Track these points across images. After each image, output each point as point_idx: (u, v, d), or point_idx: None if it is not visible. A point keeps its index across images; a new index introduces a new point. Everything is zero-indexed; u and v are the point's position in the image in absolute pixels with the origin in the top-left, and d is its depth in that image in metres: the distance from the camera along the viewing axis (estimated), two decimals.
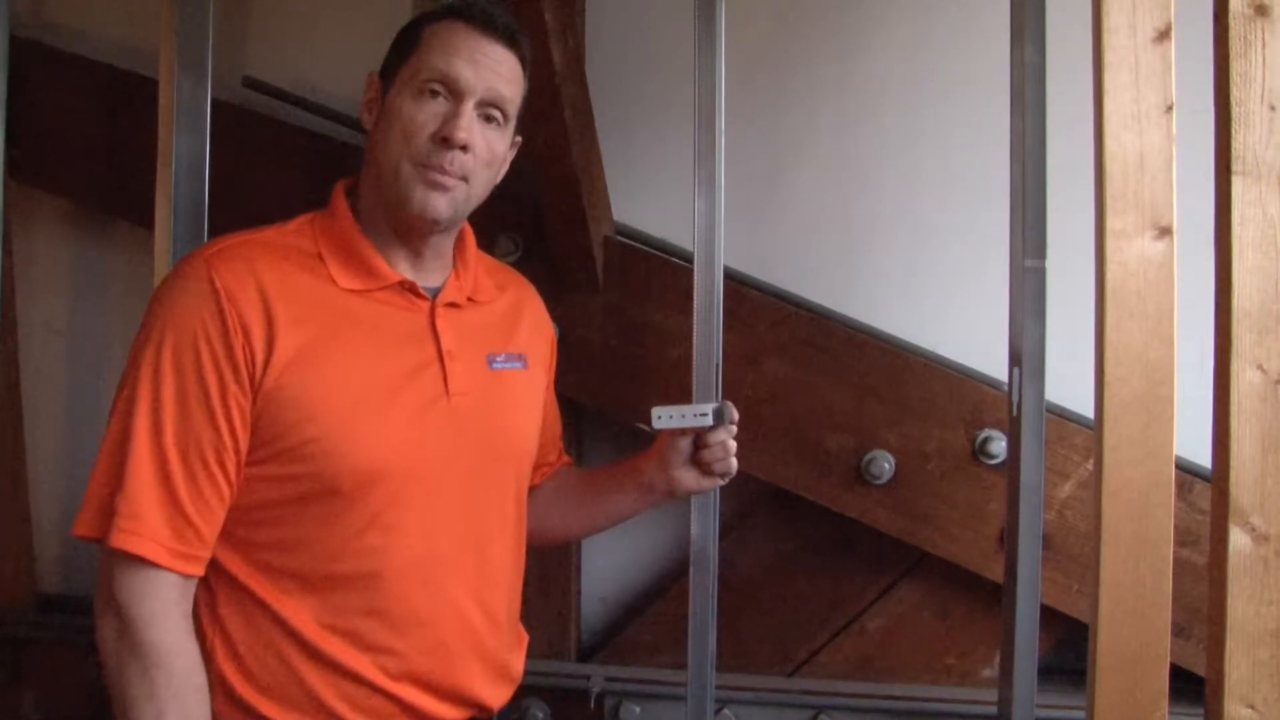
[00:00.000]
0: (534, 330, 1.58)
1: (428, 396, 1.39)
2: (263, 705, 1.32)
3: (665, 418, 1.59)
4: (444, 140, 1.36)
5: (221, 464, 1.30)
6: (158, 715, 1.25)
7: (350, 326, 1.36)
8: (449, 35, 1.39)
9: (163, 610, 1.27)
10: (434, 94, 1.37)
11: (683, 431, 1.61)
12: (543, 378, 1.61)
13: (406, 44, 1.41)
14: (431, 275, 1.45)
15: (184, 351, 1.29)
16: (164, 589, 1.28)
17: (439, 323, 1.41)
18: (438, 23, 1.40)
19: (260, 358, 1.30)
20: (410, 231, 1.41)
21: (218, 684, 1.32)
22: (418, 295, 1.41)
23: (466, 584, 1.42)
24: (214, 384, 1.29)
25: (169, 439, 1.28)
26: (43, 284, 2.62)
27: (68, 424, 2.63)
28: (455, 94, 1.37)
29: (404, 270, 1.41)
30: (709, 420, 1.59)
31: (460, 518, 1.41)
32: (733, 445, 1.63)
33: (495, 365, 1.48)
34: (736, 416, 1.63)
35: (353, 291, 1.38)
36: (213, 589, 1.34)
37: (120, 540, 1.26)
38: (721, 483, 1.67)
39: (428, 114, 1.37)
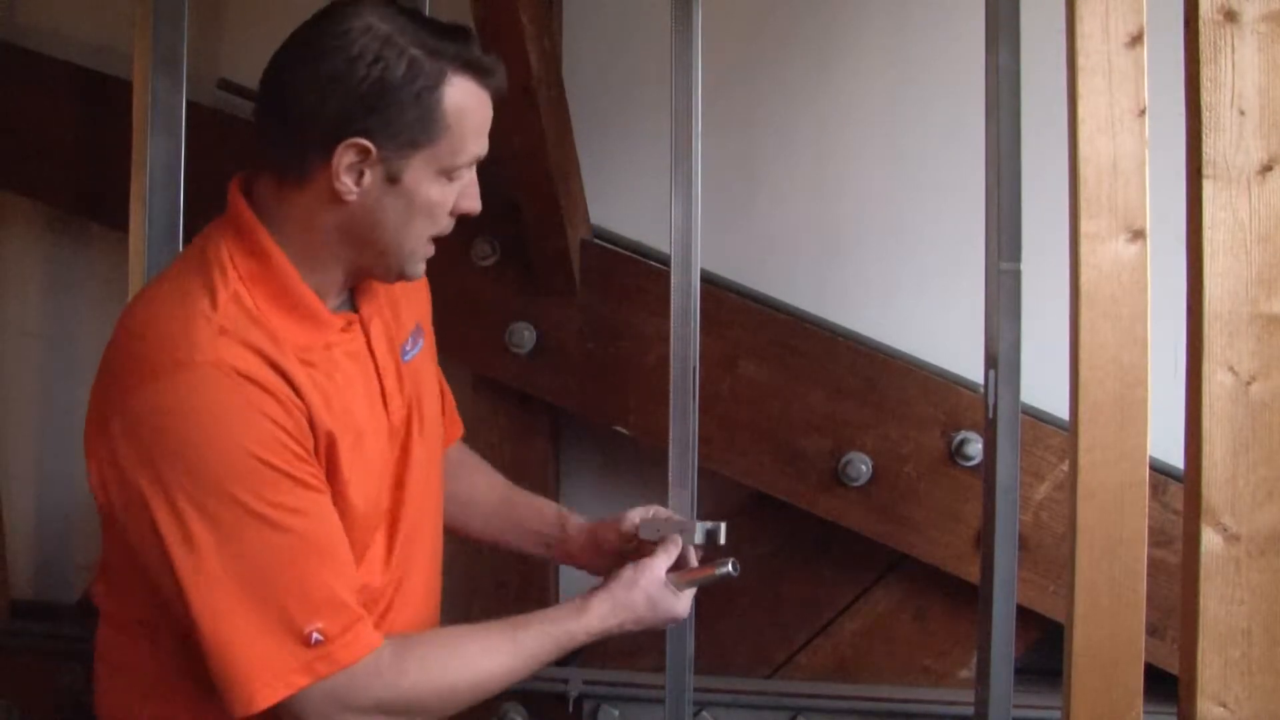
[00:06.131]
0: (410, 291, 1.47)
1: (379, 424, 1.34)
2: None
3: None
4: (464, 213, 1.30)
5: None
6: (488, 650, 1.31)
7: (326, 380, 1.28)
8: (479, 112, 1.26)
9: (392, 668, 1.24)
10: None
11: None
12: (429, 339, 1.52)
13: (424, 117, 1.23)
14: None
15: (274, 454, 1.18)
16: (381, 654, 1.24)
17: (373, 344, 1.35)
18: (458, 89, 1.24)
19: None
20: (369, 279, 1.34)
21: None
22: (352, 322, 1.34)
23: (432, 599, 1.44)
24: (306, 472, 1.22)
25: (321, 537, 1.22)
26: (15, 286, 2.60)
27: (40, 428, 2.61)
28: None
29: (331, 300, 1.31)
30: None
31: (423, 543, 1.42)
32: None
33: (407, 358, 1.41)
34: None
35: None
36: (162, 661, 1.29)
37: (343, 655, 1.20)
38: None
39: (451, 192, 1.28)
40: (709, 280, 2.16)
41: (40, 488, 2.59)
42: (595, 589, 1.41)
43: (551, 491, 2.40)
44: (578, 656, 2.40)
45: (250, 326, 1.21)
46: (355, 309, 1.35)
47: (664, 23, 1.79)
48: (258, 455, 1.17)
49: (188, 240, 1.77)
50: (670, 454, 1.78)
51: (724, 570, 1.46)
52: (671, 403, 1.80)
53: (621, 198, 2.37)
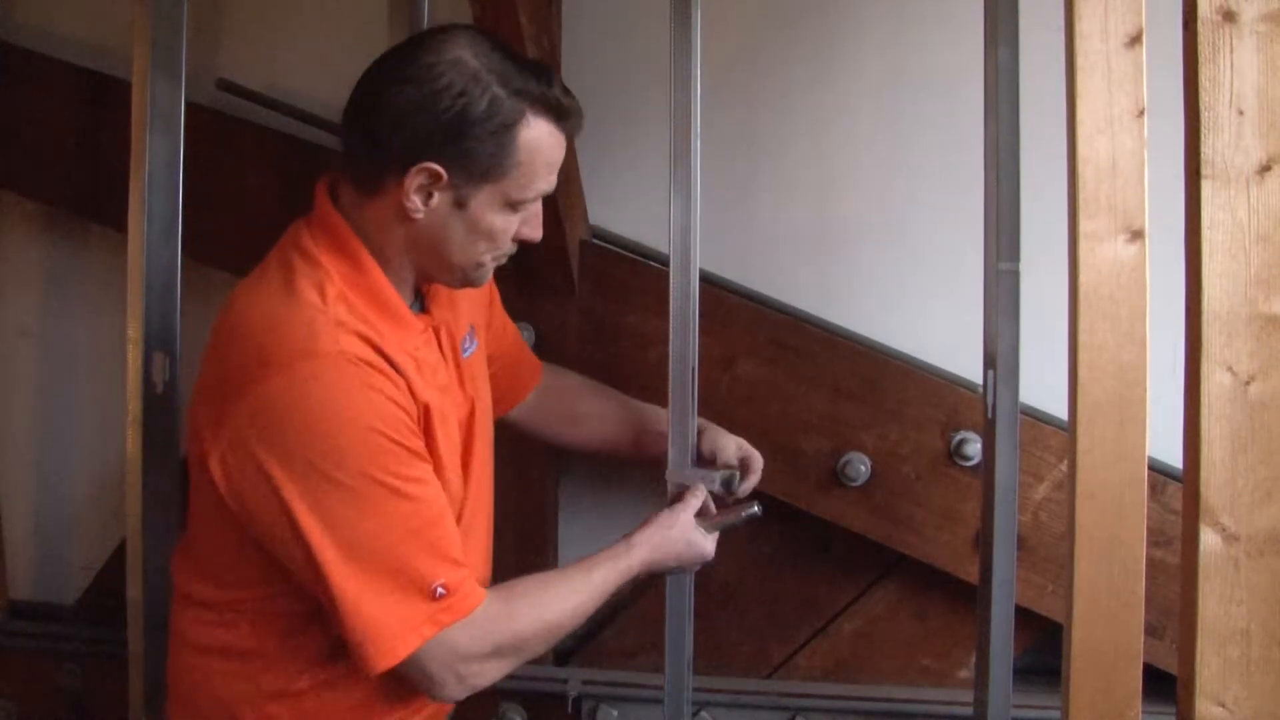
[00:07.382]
0: (470, 291, 1.57)
1: (452, 415, 1.45)
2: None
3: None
4: (525, 240, 1.42)
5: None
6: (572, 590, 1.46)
7: (417, 369, 1.40)
8: (552, 151, 1.38)
9: (503, 612, 1.37)
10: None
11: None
12: (483, 335, 1.63)
13: (498, 153, 1.34)
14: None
15: (396, 431, 1.31)
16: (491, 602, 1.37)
17: (442, 344, 1.47)
18: (534, 129, 1.35)
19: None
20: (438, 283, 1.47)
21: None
22: (428, 326, 1.46)
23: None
24: (418, 445, 1.35)
25: (437, 501, 1.34)
26: (13, 286, 2.60)
27: (38, 428, 2.60)
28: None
29: (407, 297, 1.44)
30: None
31: (479, 536, 1.52)
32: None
33: (466, 354, 1.52)
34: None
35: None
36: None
37: (463, 605, 1.33)
38: None
39: (514, 221, 1.39)
40: (708, 280, 2.16)
41: (40, 488, 2.58)
42: (636, 530, 1.56)
43: (550, 491, 2.40)
44: (577, 656, 2.40)
45: (357, 320, 1.33)
46: (424, 309, 1.47)
47: (663, 21, 1.79)
48: (382, 432, 1.28)
49: (186, 240, 1.78)
50: (670, 454, 1.78)
51: (750, 512, 1.66)
52: (671, 403, 1.80)
53: (621, 198, 2.37)
